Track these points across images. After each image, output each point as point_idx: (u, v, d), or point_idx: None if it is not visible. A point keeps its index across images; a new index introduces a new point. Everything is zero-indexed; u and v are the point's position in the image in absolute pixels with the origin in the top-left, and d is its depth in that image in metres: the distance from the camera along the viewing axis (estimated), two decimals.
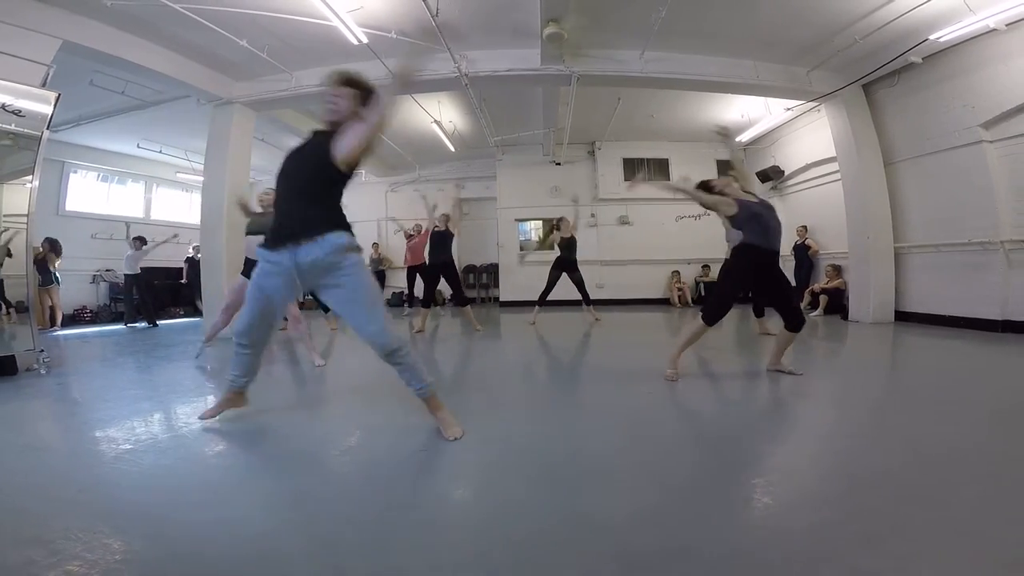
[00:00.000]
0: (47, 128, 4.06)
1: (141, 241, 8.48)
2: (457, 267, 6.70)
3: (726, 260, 3.31)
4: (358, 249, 2.15)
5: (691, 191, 3.32)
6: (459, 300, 6.40)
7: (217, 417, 2.49)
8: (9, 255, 4.38)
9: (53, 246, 7.66)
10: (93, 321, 8.97)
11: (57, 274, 7.84)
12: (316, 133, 2.19)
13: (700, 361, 3.95)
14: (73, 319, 8.72)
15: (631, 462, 1.95)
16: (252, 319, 2.25)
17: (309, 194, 2.10)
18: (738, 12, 5.32)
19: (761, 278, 3.28)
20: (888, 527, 1.36)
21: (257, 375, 2.53)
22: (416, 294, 8.79)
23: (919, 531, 1.35)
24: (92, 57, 5.15)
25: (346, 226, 2.13)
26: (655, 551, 1.31)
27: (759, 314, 5.50)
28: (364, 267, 2.17)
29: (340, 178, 2.10)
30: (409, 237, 8.07)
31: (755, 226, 3.18)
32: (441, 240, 6.31)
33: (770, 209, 3.23)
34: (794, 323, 3.22)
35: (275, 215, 2.19)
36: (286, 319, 4.14)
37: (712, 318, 3.21)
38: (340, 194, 2.16)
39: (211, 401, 3.02)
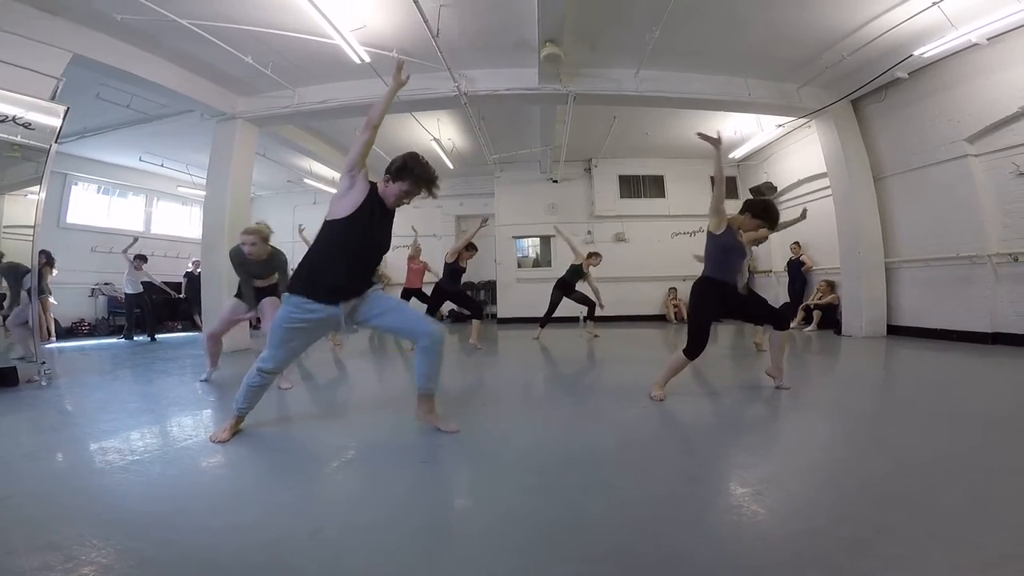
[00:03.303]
0: (55, 141, 4.13)
1: (142, 260, 8.53)
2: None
3: (693, 289, 3.38)
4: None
5: (719, 170, 3.30)
6: (474, 313, 6.35)
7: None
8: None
9: (48, 259, 7.64)
10: (91, 334, 8.97)
11: (48, 285, 7.78)
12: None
13: (693, 375, 4.00)
14: (71, 332, 8.72)
15: (626, 473, 2.00)
16: (287, 360, 2.47)
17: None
18: (729, 32, 5.49)
19: (727, 304, 3.33)
20: (873, 531, 1.42)
21: None
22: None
23: (904, 535, 1.41)
24: (100, 71, 5.26)
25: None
26: (650, 558, 1.36)
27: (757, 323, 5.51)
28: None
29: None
30: (411, 258, 7.98)
31: (721, 258, 3.28)
32: (454, 273, 6.24)
33: (741, 251, 3.32)
34: (780, 322, 3.31)
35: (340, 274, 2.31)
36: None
37: (694, 353, 3.20)
38: None
39: (212, 414, 3.08)
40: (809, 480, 1.91)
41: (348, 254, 2.29)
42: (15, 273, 4.25)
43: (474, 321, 6.32)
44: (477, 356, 5.62)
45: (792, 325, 8.12)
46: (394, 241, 7.96)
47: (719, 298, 3.27)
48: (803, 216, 4.63)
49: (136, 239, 8.81)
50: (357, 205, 2.27)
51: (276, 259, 3.80)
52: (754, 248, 4.71)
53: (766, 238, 3.63)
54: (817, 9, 5.03)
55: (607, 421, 2.81)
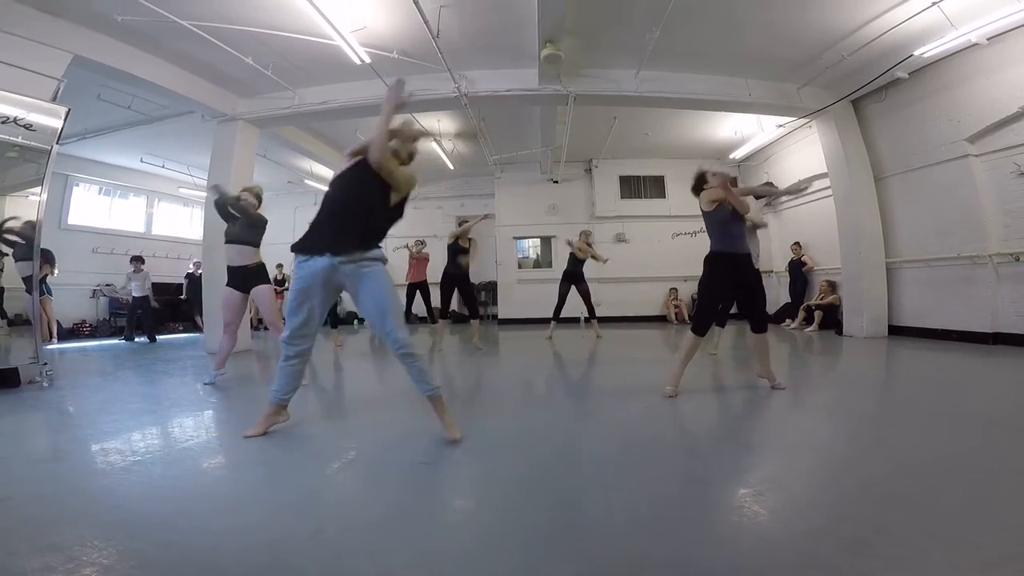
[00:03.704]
0: (56, 142, 4.13)
1: (139, 261, 8.53)
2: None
3: (703, 266, 3.39)
4: (385, 260, 2.45)
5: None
6: (472, 313, 6.33)
7: (264, 432, 2.51)
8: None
9: (47, 258, 7.61)
10: (92, 335, 8.98)
11: (48, 286, 7.77)
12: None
13: (695, 376, 4.00)
14: (72, 333, 8.73)
15: (628, 474, 2.00)
16: (303, 327, 2.43)
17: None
18: (729, 32, 5.49)
19: (739, 275, 3.33)
20: (873, 531, 1.42)
21: (297, 388, 2.60)
22: (414, 311, 8.78)
23: (904, 535, 1.41)
24: (101, 72, 5.28)
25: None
26: (651, 558, 1.36)
27: (718, 324, 5.35)
28: (389, 277, 2.44)
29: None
30: (413, 255, 7.97)
31: (720, 230, 3.32)
32: (456, 254, 6.20)
33: (739, 218, 3.31)
34: (758, 326, 3.35)
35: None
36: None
37: (701, 329, 3.29)
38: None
39: (214, 415, 3.09)
40: (810, 480, 1.91)
41: (331, 205, 2.39)
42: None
43: (473, 322, 6.29)
44: (478, 357, 5.61)
45: (793, 326, 8.14)
46: (395, 242, 8.02)
47: (730, 270, 3.29)
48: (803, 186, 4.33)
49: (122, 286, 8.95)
50: (347, 167, 2.43)
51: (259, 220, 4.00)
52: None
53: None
54: (817, 9, 5.04)
55: (608, 421, 2.81)
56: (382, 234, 2.45)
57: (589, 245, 7.18)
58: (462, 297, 6.32)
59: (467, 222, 6.33)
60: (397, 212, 2.48)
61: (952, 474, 1.87)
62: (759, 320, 3.37)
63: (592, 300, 7.21)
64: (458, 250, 6.18)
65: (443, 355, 5.77)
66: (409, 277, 7.61)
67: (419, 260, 7.57)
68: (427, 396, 2.42)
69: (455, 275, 6.19)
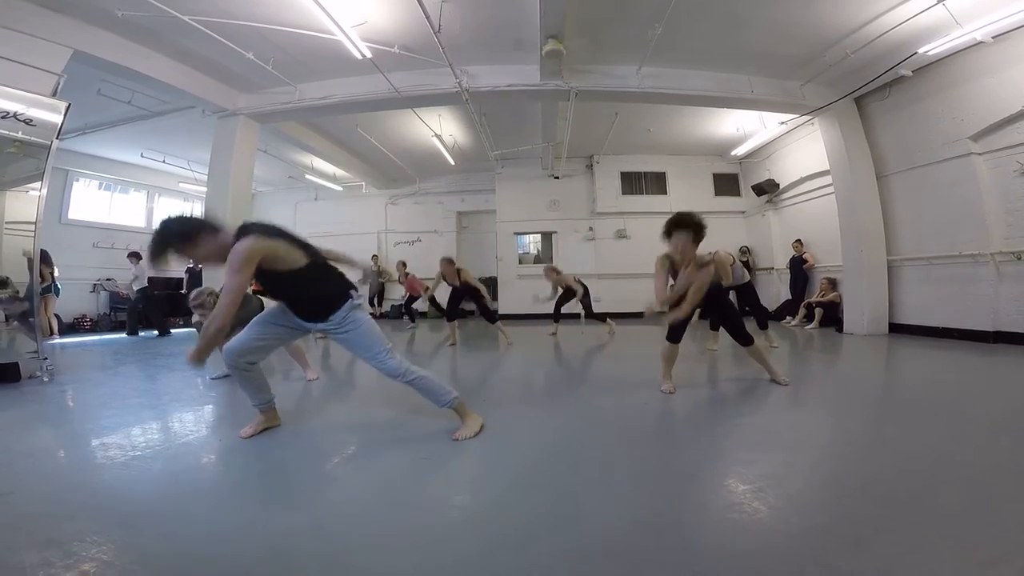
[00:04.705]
0: (56, 137, 4.13)
1: (136, 257, 8.51)
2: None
3: None
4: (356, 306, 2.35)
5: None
6: (489, 320, 6.28)
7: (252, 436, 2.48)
8: None
9: (43, 258, 7.53)
10: (93, 330, 8.99)
11: (58, 284, 7.77)
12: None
13: (696, 374, 4.01)
14: (72, 328, 8.74)
15: (628, 470, 2.01)
16: (249, 347, 2.36)
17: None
18: (732, 29, 5.46)
19: (705, 305, 3.60)
20: (873, 530, 1.42)
21: (271, 390, 2.56)
22: (414, 307, 8.95)
23: (903, 534, 1.41)
24: (101, 67, 5.27)
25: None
26: (651, 555, 1.36)
27: (714, 328, 5.52)
28: (364, 318, 2.37)
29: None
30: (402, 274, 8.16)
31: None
32: (459, 294, 6.27)
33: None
34: (742, 340, 3.50)
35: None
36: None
37: (673, 337, 3.39)
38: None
39: (214, 410, 3.10)
40: (810, 478, 1.90)
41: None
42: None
43: (496, 324, 6.29)
44: (477, 354, 5.62)
45: (793, 323, 8.12)
46: (396, 237, 8.06)
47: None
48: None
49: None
50: None
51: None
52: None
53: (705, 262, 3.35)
54: (820, 7, 5.00)
55: (609, 418, 2.81)
56: (330, 282, 2.35)
57: (559, 275, 7.26)
58: (476, 307, 6.32)
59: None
60: (314, 264, 2.24)
61: (952, 473, 1.87)
62: (739, 336, 3.50)
63: (592, 304, 7.22)
64: (452, 288, 6.21)
65: (456, 350, 5.83)
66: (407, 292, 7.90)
67: (407, 281, 7.79)
68: (448, 408, 2.44)
69: (464, 290, 6.23)
